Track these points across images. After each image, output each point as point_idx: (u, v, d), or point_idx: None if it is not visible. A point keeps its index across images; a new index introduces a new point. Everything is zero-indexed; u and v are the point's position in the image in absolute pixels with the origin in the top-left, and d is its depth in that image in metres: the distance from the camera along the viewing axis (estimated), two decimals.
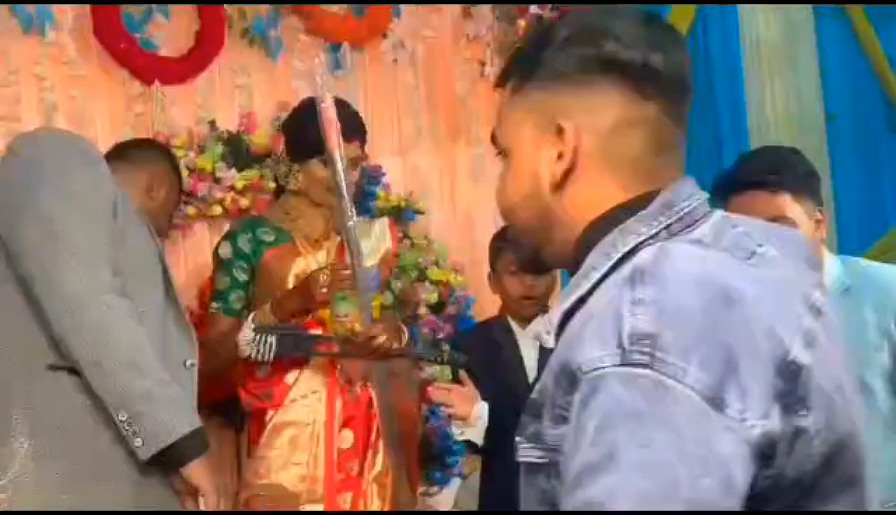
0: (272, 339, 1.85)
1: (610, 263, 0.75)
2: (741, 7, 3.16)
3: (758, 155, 1.62)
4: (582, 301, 0.75)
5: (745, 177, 1.46)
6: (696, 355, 0.65)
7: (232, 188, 2.48)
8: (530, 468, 0.75)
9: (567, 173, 0.79)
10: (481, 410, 1.88)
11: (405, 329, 2.13)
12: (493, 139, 0.87)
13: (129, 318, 1.40)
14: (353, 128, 1.98)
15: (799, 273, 0.76)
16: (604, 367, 0.66)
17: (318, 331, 1.96)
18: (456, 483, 2.72)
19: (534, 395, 0.77)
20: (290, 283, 1.99)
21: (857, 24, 3.03)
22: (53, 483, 1.37)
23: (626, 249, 0.75)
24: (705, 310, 0.67)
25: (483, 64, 3.08)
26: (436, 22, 2.99)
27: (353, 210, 1.91)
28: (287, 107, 2.45)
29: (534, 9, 3.05)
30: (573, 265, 0.80)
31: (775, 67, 3.20)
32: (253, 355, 1.86)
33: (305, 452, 1.90)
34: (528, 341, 2.05)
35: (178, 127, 2.45)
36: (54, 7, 2.31)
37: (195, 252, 2.47)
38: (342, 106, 1.94)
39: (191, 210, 2.41)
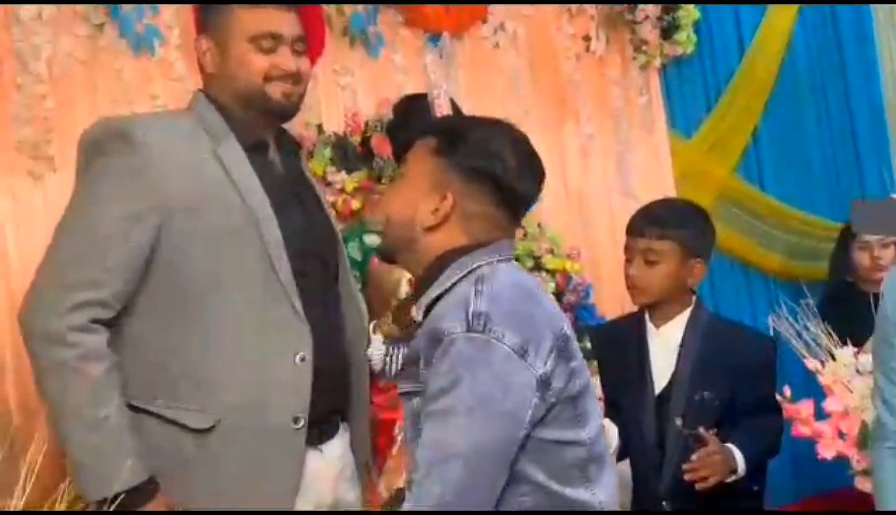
0: (405, 350, 1.81)
1: (462, 274, 1.23)
2: None
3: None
4: (439, 297, 1.24)
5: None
6: (510, 325, 1.16)
7: (342, 190, 2.46)
8: (407, 395, 1.25)
9: (436, 225, 1.25)
10: (612, 432, 1.79)
11: None
12: (398, 156, 1.22)
13: (80, 366, 1.37)
14: None
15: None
16: (455, 333, 1.16)
17: None
18: None
19: (409, 351, 1.25)
20: (403, 288, 1.94)
21: None
22: None
23: (473, 266, 1.23)
24: (518, 300, 1.20)
25: (588, 39, 2.95)
26: None
27: None
28: (390, 104, 2.40)
29: None
30: (422, 272, 1.27)
31: None
32: (387, 368, 1.82)
33: None
34: (662, 343, 1.89)
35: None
36: (162, 25, 2.34)
37: None
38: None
39: None
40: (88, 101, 2.29)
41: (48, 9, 2.23)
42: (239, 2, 1.54)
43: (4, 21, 2.19)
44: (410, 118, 2.09)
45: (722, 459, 1.72)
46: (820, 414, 1.94)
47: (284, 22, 1.55)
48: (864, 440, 1.77)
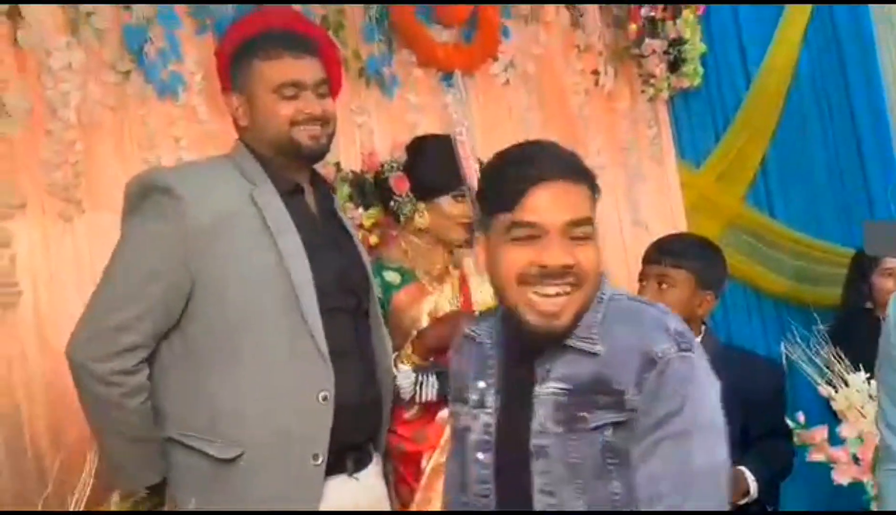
0: (433, 378, 1.85)
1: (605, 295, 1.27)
2: None
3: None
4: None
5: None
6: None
7: (361, 226, 2.53)
8: (600, 429, 1.18)
9: None
10: None
11: None
12: (580, 221, 1.21)
13: (122, 401, 1.51)
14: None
15: None
16: (671, 354, 1.18)
17: None
18: None
19: (596, 382, 1.19)
20: (424, 322, 1.98)
21: None
22: None
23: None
24: None
25: (596, 73, 3.02)
26: (544, 37, 2.95)
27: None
28: (403, 147, 2.47)
29: (645, 10, 2.98)
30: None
31: None
32: (417, 397, 1.86)
33: None
34: None
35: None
36: (185, 71, 2.42)
37: None
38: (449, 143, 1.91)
39: None
40: (115, 146, 2.36)
41: (77, 58, 2.32)
42: (262, 55, 1.61)
43: (36, 70, 2.28)
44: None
45: (734, 481, 1.77)
46: (834, 440, 1.97)
47: (305, 69, 1.63)
48: None
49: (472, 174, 1.82)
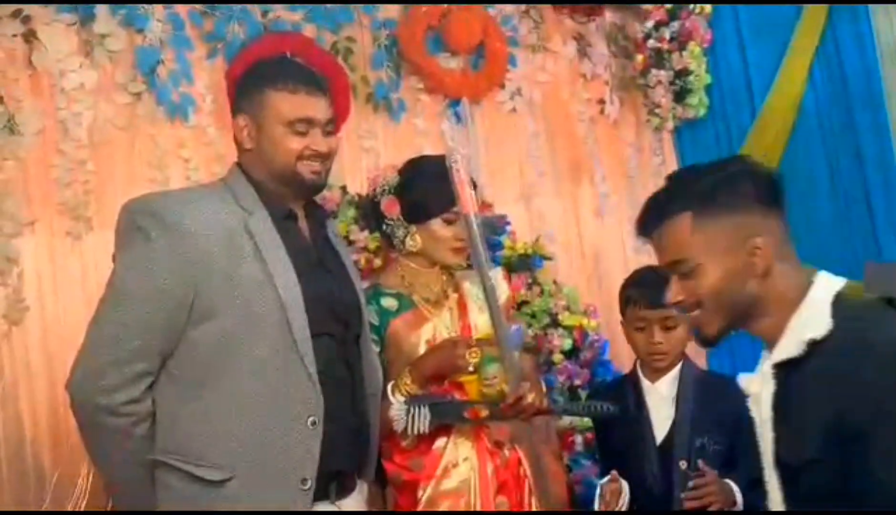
0: (425, 409, 1.83)
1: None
2: (872, 8, 3.05)
3: None
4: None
5: None
6: None
7: (365, 248, 2.55)
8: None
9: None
10: (624, 489, 1.86)
11: (540, 380, 2.10)
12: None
13: (130, 429, 1.52)
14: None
15: None
16: None
17: (457, 396, 1.91)
18: None
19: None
20: (422, 350, 1.95)
21: None
22: None
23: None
24: None
25: (602, 102, 3.05)
26: (551, 66, 2.99)
27: (488, 267, 1.87)
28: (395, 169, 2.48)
29: (651, 42, 3.01)
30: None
31: None
32: (409, 428, 1.83)
33: None
34: (658, 397, 1.98)
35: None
36: (195, 93, 2.46)
37: None
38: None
39: None
40: (126, 165, 2.41)
41: (90, 79, 2.36)
42: (278, 86, 1.64)
43: (49, 90, 2.33)
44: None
45: (721, 488, 1.81)
46: None
47: (318, 107, 1.66)
48: None
49: (466, 200, 1.80)
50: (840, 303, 1.25)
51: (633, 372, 2.08)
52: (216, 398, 1.53)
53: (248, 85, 1.68)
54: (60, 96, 2.34)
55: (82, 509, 1.13)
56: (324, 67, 2.62)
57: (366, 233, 2.54)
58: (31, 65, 2.32)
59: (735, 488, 1.84)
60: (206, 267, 1.54)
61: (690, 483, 1.83)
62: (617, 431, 2.01)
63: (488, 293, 1.82)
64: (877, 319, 1.23)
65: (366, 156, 2.69)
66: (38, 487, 2.11)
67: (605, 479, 1.95)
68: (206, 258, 1.54)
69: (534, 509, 1.93)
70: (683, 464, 1.87)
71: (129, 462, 1.54)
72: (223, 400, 1.53)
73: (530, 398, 1.84)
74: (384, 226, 2.04)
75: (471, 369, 1.87)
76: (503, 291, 2.07)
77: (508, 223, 2.80)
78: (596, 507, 1.93)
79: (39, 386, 2.23)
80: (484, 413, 1.86)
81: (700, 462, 1.85)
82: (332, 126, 1.70)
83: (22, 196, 2.28)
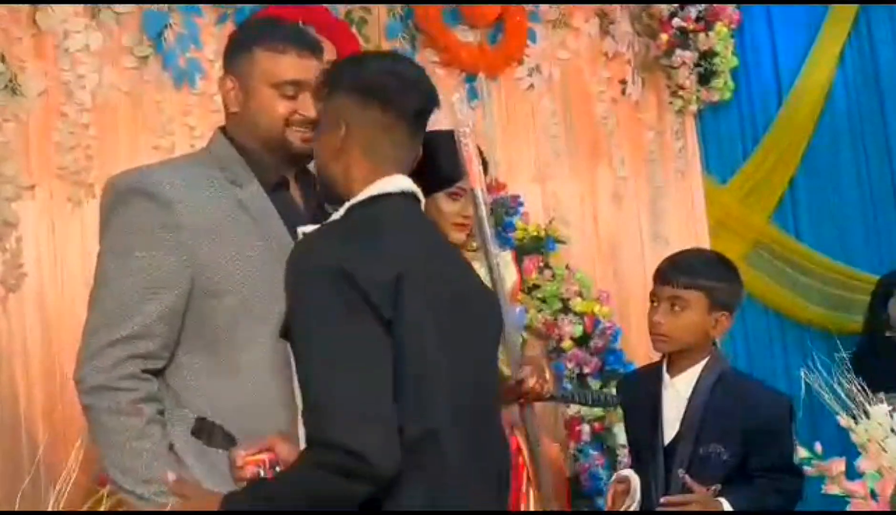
0: None
1: None
2: None
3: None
4: None
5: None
6: None
7: None
8: None
9: None
10: (635, 484, 1.77)
11: (549, 367, 2.04)
12: None
13: (134, 407, 1.43)
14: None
15: None
16: None
17: None
18: None
19: None
20: None
21: None
22: None
23: None
24: None
25: (624, 82, 2.95)
26: (572, 43, 2.89)
27: (493, 245, 1.82)
28: None
29: (676, 21, 2.91)
30: None
31: None
32: None
33: None
34: (674, 393, 1.86)
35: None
36: (203, 59, 2.40)
37: None
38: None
39: None
40: (129, 131, 2.35)
41: (95, 41, 2.30)
42: (266, 45, 1.55)
43: (53, 52, 2.27)
44: None
45: (704, 505, 1.69)
46: (852, 473, 1.89)
47: (308, 69, 1.56)
48: None
49: (474, 175, 1.73)
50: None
51: (660, 364, 1.94)
52: (226, 377, 1.48)
53: (236, 44, 1.60)
54: (64, 57, 2.28)
55: (73, 475, 1.09)
56: (336, 37, 2.56)
57: None
58: (35, 24, 2.26)
59: (725, 506, 1.71)
60: (202, 245, 1.47)
61: (662, 500, 1.72)
62: (634, 424, 1.92)
63: (493, 270, 1.77)
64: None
65: None
66: (30, 452, 2.08)
67: (612, 478, 1.87)
68: (203, 235, 1.48)
69: (531, 499, 1.88)
70: (681, 473, 1.76)
71: (132, 449, 1.46)
72: (234, 378, 1.48)
73: (531, 382, 1.78)
74: None
75: None
76: (511, 274, 2.03)
77: (521, 204, 2.72)
78: (606, 505, 1.86)
79: (35, 352, 2.19)
80: None
81: (686, 478, 1.73)
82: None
83: (22, 159, 2.23)
